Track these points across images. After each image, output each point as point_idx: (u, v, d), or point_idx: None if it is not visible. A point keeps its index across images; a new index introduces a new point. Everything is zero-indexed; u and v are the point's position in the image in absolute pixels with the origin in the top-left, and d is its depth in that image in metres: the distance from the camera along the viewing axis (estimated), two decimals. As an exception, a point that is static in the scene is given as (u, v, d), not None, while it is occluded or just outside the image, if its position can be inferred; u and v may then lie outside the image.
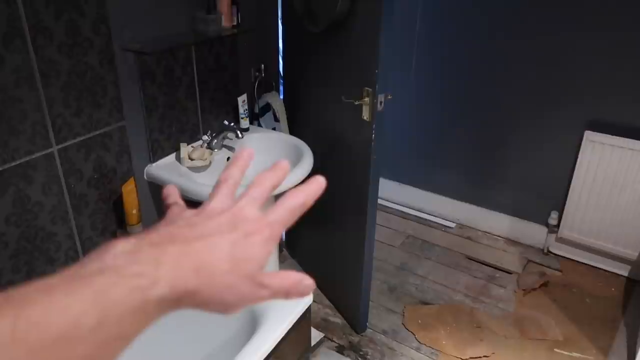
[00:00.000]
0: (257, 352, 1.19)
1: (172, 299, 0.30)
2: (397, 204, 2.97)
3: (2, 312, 0.25)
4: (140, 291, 0.28)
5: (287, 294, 0.34)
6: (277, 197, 0.39)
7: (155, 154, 1.65)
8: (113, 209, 1.53)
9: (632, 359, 1.83)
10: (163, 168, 1.64)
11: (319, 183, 0.37)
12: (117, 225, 1.56)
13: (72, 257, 1.43)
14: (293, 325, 1.31)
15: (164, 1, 1.56)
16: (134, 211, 1.50)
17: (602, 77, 2.16)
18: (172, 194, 0.39)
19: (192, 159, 1.66)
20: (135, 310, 0.28)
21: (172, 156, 1.71)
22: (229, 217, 0.34)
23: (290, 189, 0.36)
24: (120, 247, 0.30)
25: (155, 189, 1.68)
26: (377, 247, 2.58)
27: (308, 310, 1.38)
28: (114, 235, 1.55)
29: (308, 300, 1.37)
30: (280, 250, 2.53)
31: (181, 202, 0.38)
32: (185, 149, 1.67)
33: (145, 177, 1.64)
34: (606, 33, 2.09)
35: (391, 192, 2.98)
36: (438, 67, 2.58)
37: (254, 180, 0.37)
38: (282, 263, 2.47)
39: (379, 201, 2.98)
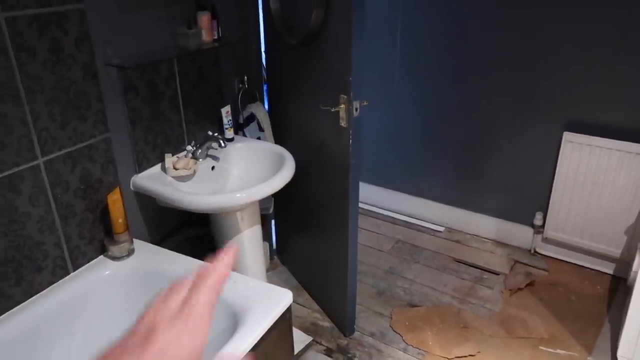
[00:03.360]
0: (234, 353, 1.23)
1: None
2: (387, 210, 3.02)
3: None
4: None
5: None
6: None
7: (141, 165, 1.71)
8: (100, 219, 1.59)
9: (615, 354, 1.86)
10: (148, 178, 1.70)
11: (230, 254, 0.39)
12: (105, 233, 1.61)
13: (60, 265, 1.48)
14: (272, 326, 1.35)
15: (146, 18, 1.63)
16: (120, 220, 1.55)
17: (579, 79, 2.22)
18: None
19: (176, 169, 1.72)
20: None
21: (158, 166, 1.76)
22: (145, 329, 0.34)
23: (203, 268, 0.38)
24: None
25: (142, 198, 1.73)
26: (367, 252, 2.63)
27: (288, 311, 1.43)
28: (101, 244, 1.60)
29: (287, 301, 1.41)
30: (271, 258, 2.58)
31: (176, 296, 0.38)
32: (169, 159, 1.73)
33: (131, 187, 1.70)
34: (582, 38, 2.16)
35: (381, 199, 3.03)
36: (422, 74, 2.65)
37: (171, 284, 0.38)
38: (274, 270, 2.51)
39: (369, 208, 3.04)
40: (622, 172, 2.19)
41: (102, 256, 1.60)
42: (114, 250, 1.57)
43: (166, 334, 0.33)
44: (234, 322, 1.36)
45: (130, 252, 1.60)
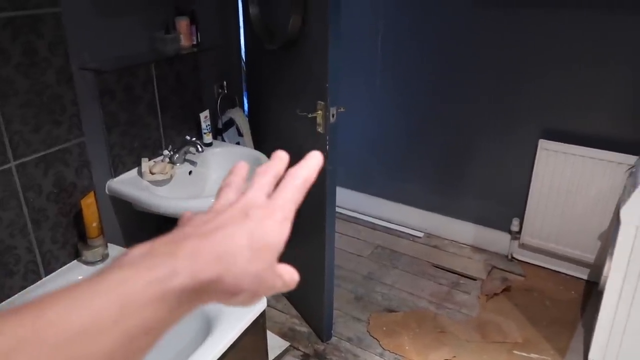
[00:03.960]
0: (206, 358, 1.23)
1: (195, 289, 0.30)
2: (367, 215, 3.03)
3: (23, 315, 0.26)
4: (159, 282, 0.29)
5: (288, 286, 0.35)
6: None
7: (117, 169, 1.70)
8: (74, 223, 1.58)
9: (587, 358, 1.89)
10: (124, 182, 1.69)
11: (316, 157, 0.38)
12: (79, 238, 1.60)
13: (32, 269, 1.47)
14: (245, 331, 1.35)
15: (124, 23, 1.63)
16: (94, 224, 1.55)
17: (555, 87, 2.26)
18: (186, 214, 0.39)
19: (153, 173, 1.72)
20: (156, 301, 0.28)
21: (134, 171, 1.76)
22: (240, 208, 0.34)
23: (291, 168, 0.38)
24: (136, 251, 0.31)
25: (117, 202, 1.72)
26: (346, 257, 2.64)
27: (262, 316, 1.43)
28: (75, 248, 1.59)
29: (261, 306, 1.41)
30: (251, 263, 2.57)
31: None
32: (146, 164, 1.73)
33: (106, 191, 1.69)
34: (557, 45, 2.20)
35: (361, 204, 3.05)
36: (402, 81, 2.68)
37: (256, 172, 0.37)
38: (253, 276, 2.50)
39: (350, 213, 3.06)
40: (596, 179, 2.23)
41: (75, 261, 1.59)
42: (87, 255, 1.56)
43: (258, 217, 0.33)
44: (207, 327, 1.36)
45: (105, 257, 1.59)
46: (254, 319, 1.38)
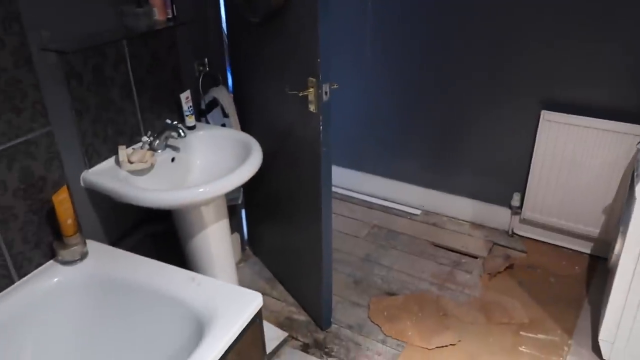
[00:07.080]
0: (199, 364, 1.12)
1: None
2: (362, 193, 2.92)
3: None
4: None
5: None
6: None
7: (91, 159, 1.56)
8: (47, 220, 1.44)
9: (595, 337, 1.83)
10: (101, 173, 1.55)
11: None
12: (54, 236, 1.46)
13: (2, 274, 1.34)
14: (242, 332, 1.24)
15: (88, -5, 1.46)
16: (69, 221, 1.41)
17: (557, 56, 2.13)
18: None
19: (131, 162, 1.57)
20: None
21: (111, 160, 1.61)
22: None
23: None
24: None
25: (95, 195, 1.58)
26: (342, 239, 2.54)
27: (258, 315, 1.32)
28: (50, 248, 1.45)
29: (257, 304, 1.30)
30: (243, 249, 2.46)
31: None
32: (123, 152, 1.58)
33: (82, 183, 1.55)
34: (558, 13, 2.06)
35: (356, 182, 2.93)
36: (394, 53, 2.53)
37: None
38: (246, 262, 2.40)
39: (344, 192, 2.94)
40: (601, 150, 2.13)
41: (51, 261, 1.46)
42: (64, 254, 1.43)
43: None
44: (199, 330, 1.25)
45: (83, 255, 1.46)
46: (250, 319, 1.27)
